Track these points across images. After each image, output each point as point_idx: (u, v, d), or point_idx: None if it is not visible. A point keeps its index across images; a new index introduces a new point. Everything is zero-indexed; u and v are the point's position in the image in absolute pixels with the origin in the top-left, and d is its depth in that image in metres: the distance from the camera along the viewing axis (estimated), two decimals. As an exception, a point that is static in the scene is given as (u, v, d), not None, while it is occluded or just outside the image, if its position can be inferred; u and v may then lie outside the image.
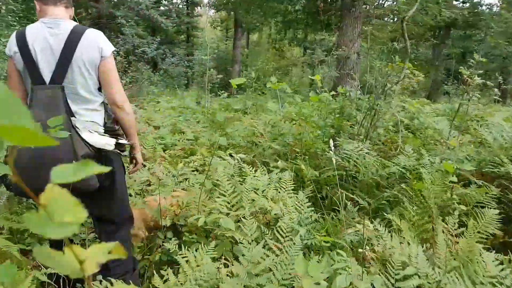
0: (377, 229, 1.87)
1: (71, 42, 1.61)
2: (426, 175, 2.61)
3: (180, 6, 19.79)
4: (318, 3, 11.01)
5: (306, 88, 12.60)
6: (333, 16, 12.09)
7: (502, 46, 14.38)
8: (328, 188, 3.14)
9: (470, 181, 2.87)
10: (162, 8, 17.59)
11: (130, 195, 2.90)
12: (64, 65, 1.60)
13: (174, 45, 18.37)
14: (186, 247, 1.95)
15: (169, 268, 1.85)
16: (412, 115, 5.17)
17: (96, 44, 1.65)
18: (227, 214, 2.17)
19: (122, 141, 1.78)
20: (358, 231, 1.96)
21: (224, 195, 2.40)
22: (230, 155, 3.04)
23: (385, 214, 2.36)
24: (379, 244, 1.81)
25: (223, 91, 8.20)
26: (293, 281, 1.44)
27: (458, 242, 1.88)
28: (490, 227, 2.06)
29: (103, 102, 1.77)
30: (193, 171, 3.41)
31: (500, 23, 14.68)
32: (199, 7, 20.99)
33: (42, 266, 1.65)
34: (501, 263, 1.64)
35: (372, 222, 2.06)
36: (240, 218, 2.14)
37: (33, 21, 1.68)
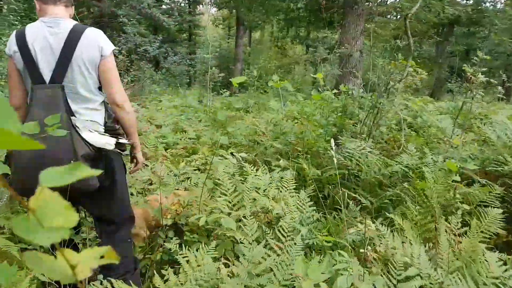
0: (378, 229, 1.85)
1: (71, 41, 1.60)
2: (429, 174, 2.59)
3: (182, 4, 19.78)
4: (320, 1, 10.96)
5: (308, 86, 12.58)
6: (335, 14, 12.03)
7: (506, 43, 14.27)
8: (330, 187, 3.13)
9: (473, 180, 2.85)
10: (164, 6, 17.58)
11: (132, 194, 2.90)
12: (64, 64, 1.60)
13: (176, 43, 18.37)
14: (187, 247, 1.94)
15: (170, 267, 1.85)
16: (415, 113, 5.14)
17: (96, 43, 1.64)
18: (229, 214, 2.16)
19: (122, 140, 1.77)
20: (360, 230, 1.95)
21: (226, 195, 2.39)
22: (232, 154, 3.03)
23: (388, 214, 2.34)
24: (381, 243, 1.79)
25: (225, 90, 8.20)
26: (294, 281, 1.43)
27: (461, 242, 1.86)
28: (493, 227, 2.04)
29: (103, 101, 1.77)
30: (195, 170, 3.41)
31: (504, 20, 14.57)
32: (201, 5, 20.96)
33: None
34: (505, 263, 1.62)
35: (374, 222, 2.05)
36: (240, 218, 2.13)
37: (34, 21, 1.67)
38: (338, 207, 2.54)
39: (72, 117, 1.61)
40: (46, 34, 1.60)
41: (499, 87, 3.74)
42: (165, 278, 1.70)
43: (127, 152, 1.95)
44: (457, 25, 17.38)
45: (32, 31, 1.61)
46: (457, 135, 3.88)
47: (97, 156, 1.65)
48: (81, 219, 2.21)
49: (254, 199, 2.36)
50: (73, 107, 1.64)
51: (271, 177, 2.76)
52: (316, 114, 4.55)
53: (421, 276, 1.47)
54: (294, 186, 2.64)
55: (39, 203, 0.38)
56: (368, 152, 3.28)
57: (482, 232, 2.01)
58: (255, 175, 2.66)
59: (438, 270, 1.53)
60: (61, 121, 1.50)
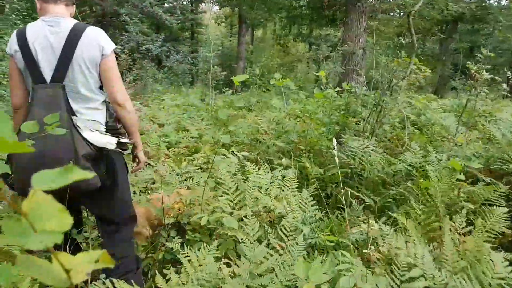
0: (381, 228, 1.84)
1: (72, 41, 1.59)
2: (433, 172, 2.57)
3: (184, 3, 19.76)
4: (323, -2, 10.91)
5: (311, 84, 12.54)
6: (338, 11, 11.98)
7: (511, 40, 14.17)
8: (333, 186, 3.11)
9: (478, 179, 2.82)
10: (166, 5, 17.57)
11: (134, 193, 2.90)
12: (65, 63, 1.59)
13: (179, 42, 18.36)
14: (189, 246, 1.94)
15: (172, 267, 1.84)
16: (419, 111, 5.11)
17: (96, 42, 1.63)
18: (231, 213, 2.15)
19: (124, 140, 1.76)
20: (363, 230, 1.93)
21: (227, 194, 2.38)
22: (233, 153, 3.02)
23: (391, 213, 2.32)
24: (384, 243, 1.78)
25: (227, 88, 8.18)
26: (296, 281, 1.42)
27: (465, 242, 1.84)
28: (498, 226, 2.02)
29: (104, 101, 1.76)
30: (197, 169, 3.40)
31: (509, 16, 14.46)
32: (203, 4, 20.94)
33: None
34: (510, 264, 1.60)
35: (377, 221, 2.03)
36: (242, 217, 2.12)
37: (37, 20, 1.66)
38: (341, 206, 2.52)
39: (73, 117, 1.60)
40: (46, 33, 1.59)
41: (504, 84, 3.70)
42: (167, 277, 1.69)
43: (129, 151, 1.94)
44: (461, 22, 17.26)
45: (33, 30, 1.60)
46: (461, 133, 3.85)
47: (98, 156, 1.65)
48: (84, 218, 2.21)
49: (256, 198, 2.35)
50: (74, 106, 1.63)
51: (273, 176, 2.74)
52: (318, 112, 4.53)
53: (425, 277, 1.45)
54: (297, 185, 2.63)
55: (32, 206, 0.37)
56: (371, 150, 3.26)
57: (487, 231, 1.99)
58: (257, 174, 2.65)
59: (442, 270, 1.51)
60: (62, 120, 1.49)
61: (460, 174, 2.49)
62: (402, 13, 12.22)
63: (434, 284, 1.42)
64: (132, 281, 1.71)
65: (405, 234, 1.98)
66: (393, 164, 3.11)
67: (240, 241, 1.88)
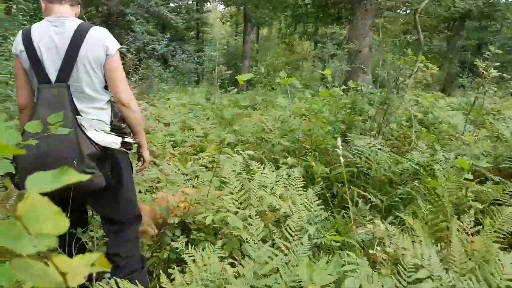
0: (387, 229, 1.81)
1: (76, 41, 1.59)
2: (441, 171, 2.53)
3: (190, 2, 19.79)
4: (328, -4, 10.86)
5: (317, 82, 12.48)
6: (343, 9, 11.90)
7: (519, 37, 13.97)
8: (339, 185, 3.09)
9: (486, 178, 2.78)
10: (171, 4, 17.60)
11: (140, 192, 2.91)
12: (70, 63, 1.59)
13: (184, 41, 18.40)
14: (194, 246, 1.93)
15: (177, 266, 1.84)
16: (426, 109, 5.06)
17: (101, 42, 1.63)
18: (236, 213, 2.15)
19: (128, 139, 1.76)
20: (369, 230, 1.91)
21: (232, 193, 2.37)
22: (238, 152, 3.01)
23: (398, 212, 2.30)
24: (391, 243, 1.76)
25: (232, 87, 8.18)
26: (301, 281, 1.41)
27: (473, 242, 1.81)
28: (507, 226, 1.98)
29: (109, 100, 1.76)
30: (202, 168, 3.40)
31: (517, 13, 14.25)
32: (208, 3, 20.95)
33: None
34: (520, 264, 1.57)
35: (383, 222, 2.01)
36: (246, 217, 2.10)
37: (43, 21, 1.66)
38: (347, 205, 2.50)
39: (78, 116, 1.60)
40: (51, 34, 1.59)
41: (512, 82, 3.65)
42: (171, 277, 1.69)
43: (134, 150, 1.94)
44: (468, 19, 17.05)
45: (38, 30, 1.61)
46: (469, 132, 3.80)
47: (103, 155, 1.65)
48: (89, 217, 2.22)
49: (261, 198, 2.34)
50: (79, 106, 1.63)
51: (278, 175, 2.73)
52: (324, 111, 4.51)
53: (432, 278, 1.43)
54: (302, 184, 2.61)
55: (27, 208, 0.36)
56: (378, 149, 3.24)
57: (495, 231, 1.95)
58: (262, 173, 2.63)
59: (449, 271, 1.48)
60: (67, 120, 1.49)
61: (468, 173, 2.46)
62: (408, 11, 12.11)
63: (441, 285, 1.40)
64: (137, 280, 1.71)
65: (412, 234, 1.96)
66: (400, 163, 3.08)
67: (245, 241, 1.87)
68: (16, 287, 1.25)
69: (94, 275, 1.61)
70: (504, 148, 3.30)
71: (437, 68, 3.95)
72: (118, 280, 1.59)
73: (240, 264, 1.69)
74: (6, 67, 5.04)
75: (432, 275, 1.45)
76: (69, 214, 1.61)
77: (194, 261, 1.74)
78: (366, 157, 3.17)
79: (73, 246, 1.81)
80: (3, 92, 4.70)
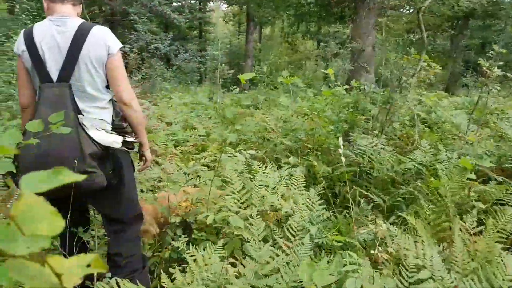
0: (389, 229, 1.80)
1: (78, 40, 1.59)
2: (443, 171, 2.52)
3: (193, 1, 19.77)
4: (331, -5, 10.82)
5: (319, 82, 12.46)
6: (346, 8, 11.87)
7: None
8: (341, 184, 3.08)
9: (489, 178, 2.76)
10: (174, 4, 17.61)
11: (142, 191, 2.91)
12: (71, 63, 1.59)
13: (187, 41, 18.40)
14: (195, 245, 1.93)
15: (178, 266, 1.83)
16: (429, 108, 5.03)
17: (103, 41, 1.63)
18: (237, 212, 2.14)
19: (129, 139, 1.76)
20: (371, 230, 1.91)
21: (234, 193, 2.37)
22: (240, 151, 3.01)
23: (401, 212, 2.29)
24: (393, 243, 1.75)
25: (235, 86, 8.17)
26: (302, 281, 1.40)
27: (476, 242, 1.80)
28: (510, 226, 1.97)
29: (111, 100, 1.76)
30: (203, 166, 3.41)
31: (522, 12, 14.16)
32: (211, 2, 20.95)
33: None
34: (523, 265, 1.56)
35: (385, 222, 2.00)
36: (247, 217, 2.10)
37: (47, 20, 1.66)
38: (349, 205, 2.49)
39: (80, 116, 1.60)
40: (53, 33, 1.59)
41: (516, 81, 3.63)
42: (172, 277, 1.69)
43: (136, 149, 1.94)
44: (472, 18, 16.96)
45: (40, 30, 1.61)
46: (473, 131, 3.78)
47: (104, 155, 1.65)
48: (91, 217, 2.22)
49: (263, 197, 2.33)
50: (81, 105, 1.63)
51: (280, 174, 2.72)
52: (326, 110, 4.49)
53: (434, 278, 1.42)
54: (304, 184, 2.60)
55: (23, 208, 0.36)
56: (381, 148, 3.22)
57: (498, 231, 1.94)
58: (264, 173, 2.63)
59: (452, 272, 1.47)
60: (68, 119, 1.49)
61: (471, 173, 2.44)
62: (411, 10, 12.05)
63: (443, 286, 1.39)
64: (138, 280, 1.71)
65: (414, 234, 1.95)
66: (402, 162, 3.06)
67: (246, 241, 1.87)
68: (16, 287, 1.25)
69: (95, 274, 1.61)
70: (508, 148, 3.28)
71: (441, 67, 3.93)
72: (119, 279, 1.59)
73: (241, 263, 1.69)
74: (9, 67, 5.07)
75: (434, 275, 1.44)
76: (69, 213, 1.61)
77: (195, 260, 1.73)
78: (369, 157, 3.16)
79: (74, 245, 1.82)
80: (6, 92, 4.73)
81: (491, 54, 3.41)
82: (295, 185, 2.57)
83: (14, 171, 1.21)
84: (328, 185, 2.97)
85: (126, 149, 1.77)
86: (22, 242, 0.32)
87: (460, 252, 1.65)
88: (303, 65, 19.21)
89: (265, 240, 1.95)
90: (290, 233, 1.94)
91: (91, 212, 2.25)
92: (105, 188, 1.63)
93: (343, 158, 1.43)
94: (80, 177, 0.35)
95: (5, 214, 2.11)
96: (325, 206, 2.40)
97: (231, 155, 3.10)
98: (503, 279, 1.45)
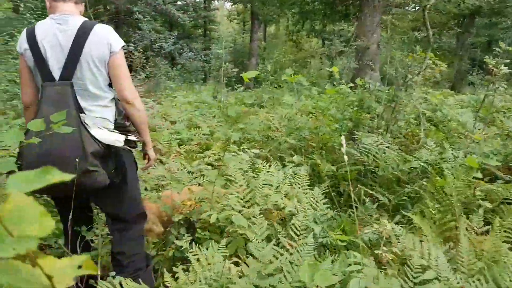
0: (393, 228, 1.78)
1: (80, 38, 1.59)
2: (449, 170, 2.49)
3: (197, 0, 19.79)
4: (336, -7, 10.77)
5: (324, 80, 12.42)
6: (351, 6, 11.80)
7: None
8: (345, 183, 3.06)
9: (496, 176, 2.73)
10: (179, 2, 17.64)
11: (146, 190, 2.91)
12: (73, 61, 1.59)
13: (191, 39, 18.41)
14: (199, 244, 1.92)
15: (181, 265, 1.83)
16: (435, 107, 4.99)
17: (105, 40, 1.63)
18: (240, 211, 2.13)
19: (132, 137, 1.75)
20: (376, 229, 1.88)
21: (238, 191, 2.36)
22: (244, 150, 3.00)
23: (406, 212, 2.26)
24: (398, 243, 1.73)
25: (239, 85, 8.15)
26: (305, 281, 1.39)
27: (482, 242, 1.77)
28: (517, 225, 1.94)
29: (113, 98, 1.75)
30: (207, 165, 3.40)
31: (529, 9, 13.99)
32: (216, 1, 20.97)
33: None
34: (530, 265, 1.53)
35: (390, 221, 1.98)
36: (251, 216, 2.09)
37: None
38: (354, 204, 2.47)
39: (82, 114, 1.59)
40: (55, 32, 1.59)
41: (524, 79, 3.58)
42: (175, 276, 1.68)
43: (139, 148, 1.94)
44: (478, 16, 16.78)
45: (42, 28, 1.60)
46: (479, 130, 3.74)
47: (106, 153, 1.64)
48: (94, 216, 2.22)
49: (267, 196, 2.32)
50: (83, 104, 1.63)
51: (284, 173, 2.71)
52: (331, 109, 4.47)
53: (439, 279, 1.40)
54: (308, 183, 2.58)
55: (12, 208, 0.35)
56: (386, 147, 3.20)
57: (505, 231, 1.91)
58: (268, 171, 2.61)
59: (457, 272, 1.45)
60: (70, 118, 1.49)
61: (477, 171, 2.41)
62: (417, 7, 11.96)
63: (449, 287, 1.37)
64: (142, 279, 1.70)
65: (420, 233, 1.92)
66: (408, 161, 3.04)
67: (250, 240, 1.86)
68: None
69: (98, 274, 1.61)
70: (515, 146, 3.24)
71: (446, 65, 3.89)
72: (122, 279, 1.58)
73: (245, 263, 1.68)
74: (14, 66, 5.09)
75: (440, 276, 1.42)
76: (71, 212, 1.61)
77: (198, 260, 1.73)
78: (374, 155, 3.13)
79: (77, 244, 1.82)
80: (11, 91, 4.75)
81: (498, 52, 3.38)
82: (299, 184, 2.55)
83: (16, 170, 1.21)
84: (333, 184, 2.95)
85: (128, 148, 1.77)
86: (8, 244, 0.31)
87: (466, 252, 1.63)
88: (307, 63, 19.16)
89: (268, 239, 1.93)
90: (294, 232, 1.92)
91: (95, 211, 2.25)
92: (107, 186, 1.63)
93: (345, 157, 1.41)
94: (68, 177, 0.34)
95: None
96: (329, 205, 2.38)
97: (235, 153, 3.08)
98: (510, 280, 1.42)
